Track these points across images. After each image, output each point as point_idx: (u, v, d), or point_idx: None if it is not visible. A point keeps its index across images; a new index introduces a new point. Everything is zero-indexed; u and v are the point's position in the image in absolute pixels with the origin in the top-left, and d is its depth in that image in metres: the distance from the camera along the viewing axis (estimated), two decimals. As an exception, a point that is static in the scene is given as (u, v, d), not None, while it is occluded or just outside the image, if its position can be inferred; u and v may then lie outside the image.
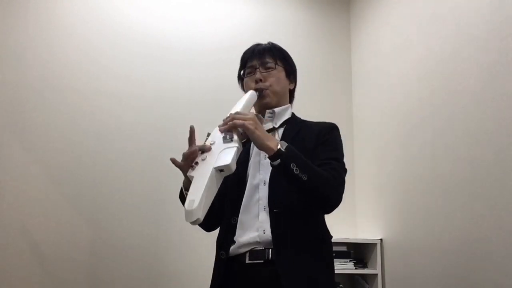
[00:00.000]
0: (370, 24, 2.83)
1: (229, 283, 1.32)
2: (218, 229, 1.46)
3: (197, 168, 1.21)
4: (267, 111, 1.47)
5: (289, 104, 1.56)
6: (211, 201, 1.15)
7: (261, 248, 1.30)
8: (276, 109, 1.48)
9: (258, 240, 1.30)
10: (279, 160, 1.20)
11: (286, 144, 1.24)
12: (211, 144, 1.24)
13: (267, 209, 1.32)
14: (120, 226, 2.26)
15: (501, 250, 1.71)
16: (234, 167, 1.16)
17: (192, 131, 1.29)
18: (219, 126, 1.27)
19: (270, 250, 1.28)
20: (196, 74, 2.57)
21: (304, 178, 1.20)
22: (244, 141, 1.29)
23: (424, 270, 2.11)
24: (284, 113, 1.50)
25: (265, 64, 1.49)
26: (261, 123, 1.46)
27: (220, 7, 2.72)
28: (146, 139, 2.39)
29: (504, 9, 1.82)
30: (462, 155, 1.95)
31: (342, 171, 1.36)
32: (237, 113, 1.27)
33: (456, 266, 1.92)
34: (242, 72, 1.55)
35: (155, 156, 2.37)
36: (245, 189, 1.39)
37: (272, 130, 1.45)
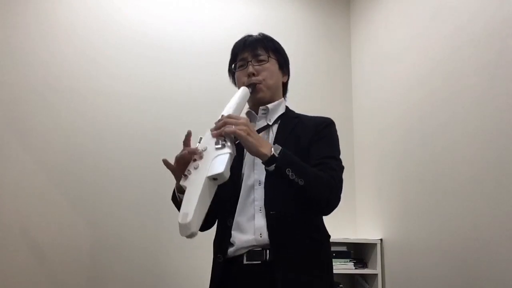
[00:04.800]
0: (370, 24, 2.83)
1: (227, 285, 1.30)
2: (215, 230, 1.42)
3: (190, 177, 1.17)
4: (261, 108, 1.43)
5: (283, 98, 1.51)
6: (206, 212, 1.11)
7: (258, 249, 1.27)
8: (269, 106, 1.43)
9: (255, 243, 1.28)
10: (273, 166, 1.18)
11: (280, 148, 1.20)
12: (203, 150, 1.20)
13: (263, 211, 1.29)
14: (120, 226, 2.26)
15: (501, 249, 1.71)
16: (227, 175, 1.12)
17: (188, 135, 1.26)
18: (211, 130, 1.22)
19: (268, 250, 1.26)
20: (195, 75, 2.57)
21: (301, 183, 1.18)
22: (238, 142, 1.25)
23: (424, 270, 2.11)
24: (277, 109, 1.46)
25: (257, 57, 1.43)
26: (254, 120, 1.44)
27: (219, 7, 2.72)
28: (146, 140, 2.39)
29: (504, 9, 1.81)
30: (462, 155, 1.95)
31: (339, 170, 1.33)
32: (229, 116, 1.23)
33: (456, 266, 1.92)
34: (233, 65, 1.49)
35: (155, 156, 2.34)
36: (240, 189, 1.35)
37: (266, 128, 1.41)
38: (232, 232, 1.32)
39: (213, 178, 1.12)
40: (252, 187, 1.34)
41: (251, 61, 1.43)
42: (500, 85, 1.80)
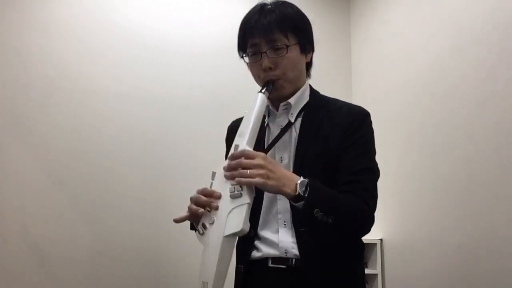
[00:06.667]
0: (370, 24, 2.83)
1: (251, 284, 1.22)
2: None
3: (206, 233, 1.07)
4: (281, 104, 1.25)
5: (306, 81, 1.32)
6: (227, 270, 1.03)
7: (284, 256, 1.17)
8: (291, 100, 1.24)
9: (280, 255, 1.17)
10: (301, 203, 1.05)
11: (305, 184, 1.06)
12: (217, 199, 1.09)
13: (288, 225, 1.18)
14: (121, 226, 2.26)
15: (501, 249, 1.71)
16: (247, 229, 1.02)
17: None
18: (224, 170, 1.07)
19: (295, 259, 1.16)
20: (196, 75, 2.56)
21: (330, 221, 1.06)
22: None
23: (424, 270, 2.12)
24: (301, 101, 1.27)
25: (273, 44, 1.19)
26: (274, 118, 1.27)
27: (219, 7, 2.71)
28: (146, 140, 2.38)
29: (504, 9, 1.82)
30: (462, 155, 1.95)
31: (373, 188, 1.19)
32: (242, 154, 1.06)
33: (456, 266, 1.92)
34: (242, 53, 1.26)
35: (155, 156, 2.36)
36: (262, 197, 1.21)
37: (289, 127, 1.24)
38: (255, 243, 1.21)
39: (232, 234, 1.03)
40: (275, 198, 1.20)
41: (266, 52, 1.19)
42: (500, 85, 1.80)
